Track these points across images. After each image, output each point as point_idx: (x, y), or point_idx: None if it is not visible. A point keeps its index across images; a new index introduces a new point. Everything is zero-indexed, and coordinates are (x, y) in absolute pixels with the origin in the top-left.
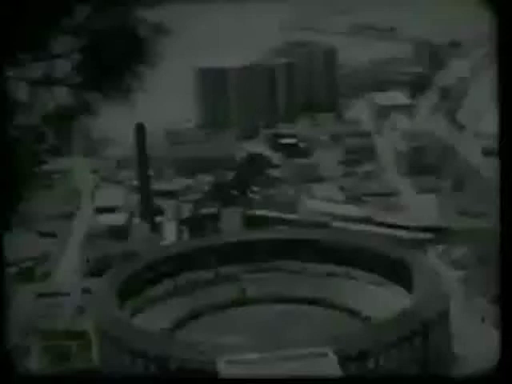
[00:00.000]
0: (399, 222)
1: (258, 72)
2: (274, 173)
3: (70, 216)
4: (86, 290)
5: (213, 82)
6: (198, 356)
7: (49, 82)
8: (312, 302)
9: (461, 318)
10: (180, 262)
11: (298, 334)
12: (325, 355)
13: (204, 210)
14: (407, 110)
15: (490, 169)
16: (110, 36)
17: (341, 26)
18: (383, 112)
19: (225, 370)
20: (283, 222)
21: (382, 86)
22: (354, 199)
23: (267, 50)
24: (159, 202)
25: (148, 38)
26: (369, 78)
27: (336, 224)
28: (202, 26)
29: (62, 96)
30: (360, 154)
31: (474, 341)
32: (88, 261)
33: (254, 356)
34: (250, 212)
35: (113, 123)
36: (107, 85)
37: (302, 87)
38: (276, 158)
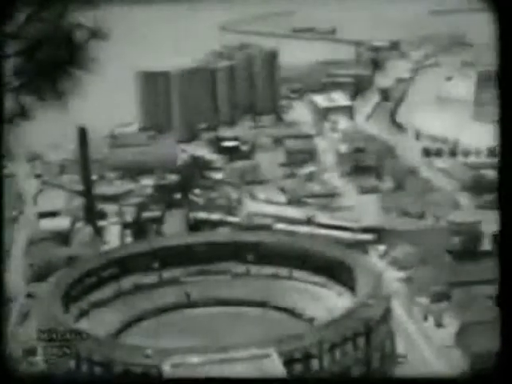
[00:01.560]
0: (341, 223)
1: (199, 75)
2: (216, 175)
3: (12, 221)
4: (30, 295)
5: (154, 85)
6: (142, 360)
7: None
8: (256, 304)
9: (403, 317)
10: (124, 266)
11: (242, 335)
12: (268, 356)
13: (147, 214)
14: (348, 111)
15: (429, 169)
16: (45, 40)
17: (281, 28)
18: (324, 113)
19: (169, 373)
20: (226, 224)
21: (323, 87)
22: (296, 201)
23: (208, 52)
24: (102, 205)
25: (83, 43)
26: (310, 79)
27: (278, 226)
28: (142, 29)
29: None
30: (301, 156)
31: (416, 340)
32: (32, 265)
33: (198, 359)
34: (193, 215)
35: (54, 127)
36: (43, 88)
37: (243, 90)
38: (218, 160)
